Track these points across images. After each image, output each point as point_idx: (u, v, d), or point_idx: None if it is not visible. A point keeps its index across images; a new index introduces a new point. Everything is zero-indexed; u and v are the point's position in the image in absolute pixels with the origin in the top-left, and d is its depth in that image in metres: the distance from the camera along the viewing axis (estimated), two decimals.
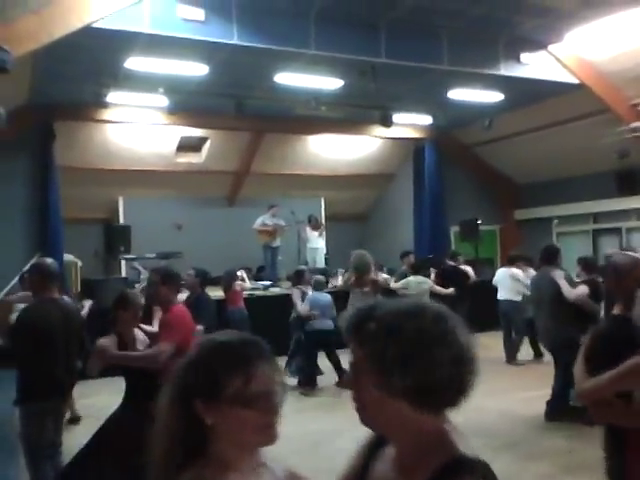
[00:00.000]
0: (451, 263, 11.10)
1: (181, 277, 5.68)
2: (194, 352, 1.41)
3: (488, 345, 9.32)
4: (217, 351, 1.38)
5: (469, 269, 11.17)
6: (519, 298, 9.55)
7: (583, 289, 6.46)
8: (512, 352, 9.81)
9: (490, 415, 6.38)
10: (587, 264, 6.89)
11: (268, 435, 1.35)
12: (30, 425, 4.27)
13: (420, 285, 9.40)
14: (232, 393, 1.31)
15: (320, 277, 8.75)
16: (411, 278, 9.59)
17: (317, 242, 12.87)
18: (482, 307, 9.86)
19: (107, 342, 4.21)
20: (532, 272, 9.13)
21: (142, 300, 4.68)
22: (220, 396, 1.31)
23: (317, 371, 8.43)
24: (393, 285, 9.67)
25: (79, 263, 11.89)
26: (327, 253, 13.81)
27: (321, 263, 12.94)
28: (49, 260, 4.63)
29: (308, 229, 13.02)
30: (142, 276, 11.16)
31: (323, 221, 14.82)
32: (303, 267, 10.03)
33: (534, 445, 5.70)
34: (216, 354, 1.37)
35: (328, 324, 8.01)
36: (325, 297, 8.35)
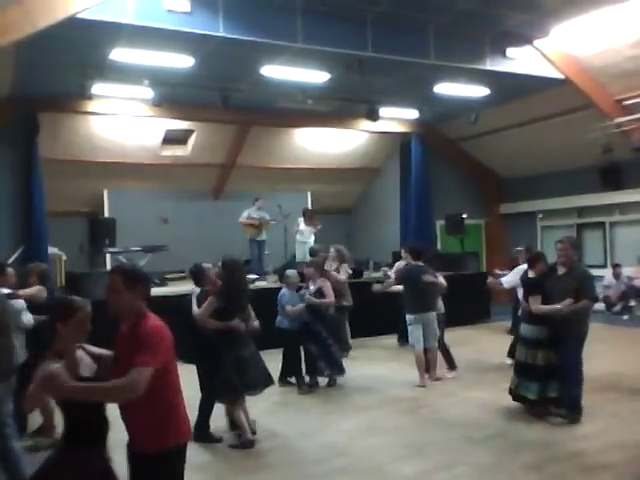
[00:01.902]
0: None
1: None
2: None
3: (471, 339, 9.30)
4: None
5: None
6: None
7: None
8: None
9: (474, 406, 6.43)
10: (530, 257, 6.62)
11: None
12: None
13: None
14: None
15: (289, 271, 8.44)
16: None
17: (309, 237, 12.66)
18: (469, 301, 9.92)
19: (57, 368, 2.84)
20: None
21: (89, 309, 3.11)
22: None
23: (300, 369, 8.04)
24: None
25: (64, 256, 11.80)
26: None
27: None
28: None
29: (302, 222, 12.77)
30: None
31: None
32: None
33: (519, 436, 5.73)
34: None
35: (278, 321, 7.83)
36: (281, 293, 7.95)
